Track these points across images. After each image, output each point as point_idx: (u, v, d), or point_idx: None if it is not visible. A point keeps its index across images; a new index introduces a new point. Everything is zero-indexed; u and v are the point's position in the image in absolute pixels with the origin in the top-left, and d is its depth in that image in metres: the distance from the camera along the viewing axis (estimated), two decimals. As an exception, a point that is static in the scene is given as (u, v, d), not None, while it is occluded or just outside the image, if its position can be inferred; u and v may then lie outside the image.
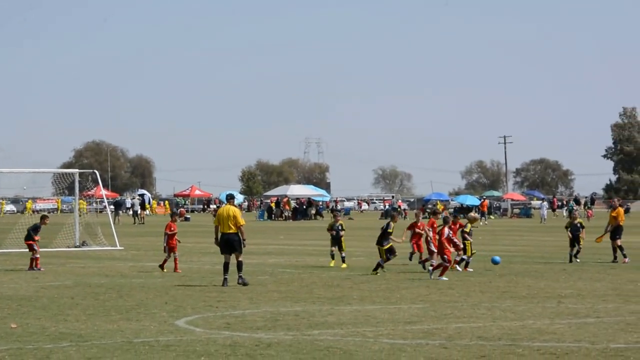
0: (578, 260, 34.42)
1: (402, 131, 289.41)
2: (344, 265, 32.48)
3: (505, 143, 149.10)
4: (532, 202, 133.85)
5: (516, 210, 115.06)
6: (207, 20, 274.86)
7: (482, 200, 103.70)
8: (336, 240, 33.07)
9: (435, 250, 29.11)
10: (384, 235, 30.21)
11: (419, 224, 32.29)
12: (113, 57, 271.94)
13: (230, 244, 25.80)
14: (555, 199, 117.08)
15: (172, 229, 31.00)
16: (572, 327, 18.06)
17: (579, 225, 34.70)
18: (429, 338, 16.75)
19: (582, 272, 30.49)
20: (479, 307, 21.27)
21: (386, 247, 29.93)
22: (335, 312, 20.43)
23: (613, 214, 35.15)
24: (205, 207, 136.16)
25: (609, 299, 22.74)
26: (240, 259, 25.84)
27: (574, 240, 34.48)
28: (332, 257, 33.04)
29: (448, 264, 28.30)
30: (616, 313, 20.11)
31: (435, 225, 30.47)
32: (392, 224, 30.51)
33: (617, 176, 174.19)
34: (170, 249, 30.67)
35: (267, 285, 26.48)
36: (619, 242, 34.44)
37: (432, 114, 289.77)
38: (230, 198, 27.50)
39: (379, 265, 29.94)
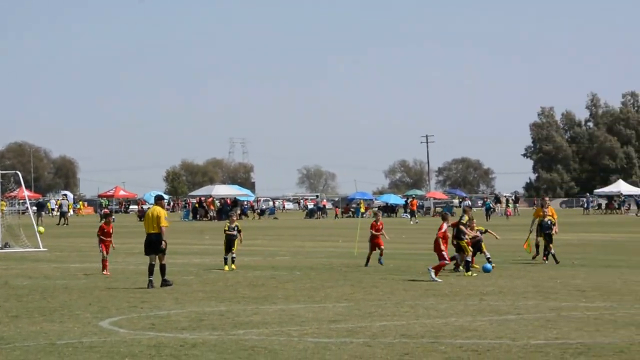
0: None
1: (326, 131, 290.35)
2: (234, 267, 31.21)
3: (427, 142, 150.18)
4: (454, 200, 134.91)
5: (438, 209, 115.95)
6: (125, 17, 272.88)
7: (412, 199, 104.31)
8: (230, 242, 31.71)
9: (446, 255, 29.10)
10: (460, 230, 29.95)
11: (378, 224, 32.62)
12: (33, 57, 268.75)
13: (153, 244, 25.70)
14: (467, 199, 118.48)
15: (106, 231, 30.60)
16: (493, 324, 18.33)
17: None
18: (353, 336, 16.89)
19: (503, 269, 30.90)
20: (402, 305, 21.48)
21: (464, 242, 29.66)
22: (260, 311, 20.48)
23: (544, 212, 34.80)
24: (126, 208, 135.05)
25: (529, 296, 23.10)
26: (163, 261, 25.68)
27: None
28: (226, 262, 31.57)
29: (447, 262, 28.06)
30: (536, 310, 20.45)
31: (443, 229, 29.51)
32: (465, 216, 30.30)
33: (536, 175, 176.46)
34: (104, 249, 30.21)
35: (192, 285, 26.44)
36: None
37: (356, 113, 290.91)
38: (158, 199, 27.22)
39: (468, 264, 29.36)
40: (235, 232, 31.75)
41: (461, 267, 29.84)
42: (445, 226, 28.72)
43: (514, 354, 15.11)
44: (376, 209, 33.92)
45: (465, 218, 30.52)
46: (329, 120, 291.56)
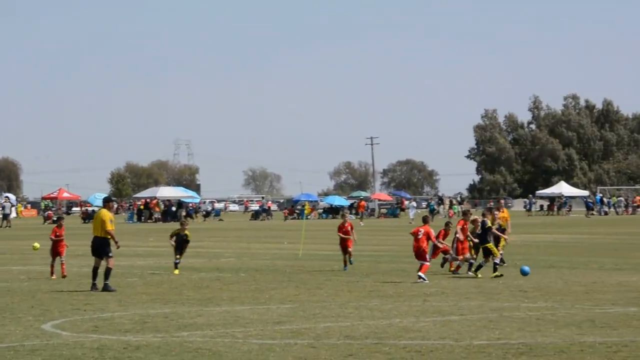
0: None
1: (272, 133, 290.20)
2: (176, 272, 30.46)
3: (372, 144, 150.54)
4: (406, 202, 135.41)
5: (383, 210, 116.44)
6: (68, 15, 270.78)
7: (360, 200, 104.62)
8: (180, 247, 30.99)
9: (457, 256, 29.07)
10: (486, 232, 29.35)
11: (346, 225, 31.82)
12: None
13: (97, 248, 25.48)
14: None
15: (58, 234, 30.19)
16: (436, 324, 18.45)
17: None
18: (298, 338, 16.92)
19: (447, 270, 31.07)
20: (346, 306, 21.54)
21: (490, 244, 29.05)
22: (205, 313, 20.45)
23: (502, 215, 34.67)
24: (68, 210, 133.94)
25: (472, 297, 23.27)
26: (110, 265, 25.35)
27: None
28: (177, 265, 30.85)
29: (427, 263, 27.70)
30: (479, 310, 20.62)
31: (465, 227, 29.74)
32: (488, 220, 29.68)
33: (480, 176, 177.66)
34: (56, 253, 29.85)
35: (136, 287, 26.31)
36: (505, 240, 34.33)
37: (301, 115, 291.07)
38: (105, 202, 26.84)
39: (496, 265, 28.86)
40: (183, 241, 30.91)
41: (472, 269, 29.26)
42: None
43: (457, 354, 15.22)
44: (345, 210, 32.48)
45: (490, 219, 29.95)
46: (274, 122, 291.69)
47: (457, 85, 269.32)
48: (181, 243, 31.10)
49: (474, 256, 29.51)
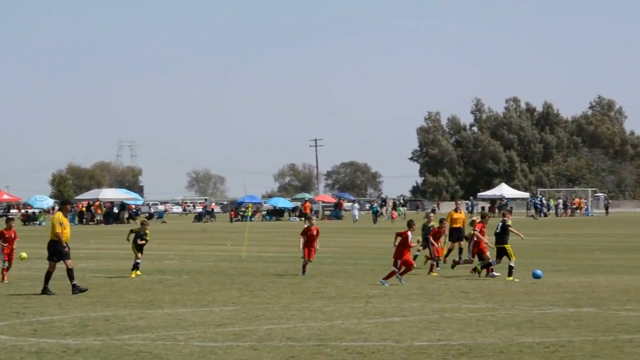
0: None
1: (216, 134, 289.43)
2: (137, 274, 30.21)
3: (316, 146, 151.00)
4: (346, 203, 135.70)
5: (327, 212, 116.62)
6: (10, 15, 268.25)
7: (305, 202, 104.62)
8: (139, 248, 30.49)
9: (472, 258, 28.87)
10: (505, 232, 28.90)
11: (312, 229, 30.61)
12: None
13: (49, 251, 25.21)
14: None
15: (7, 236, 29.66)
16: (378, 326, 18.54)
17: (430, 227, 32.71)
18: (240, 340, 16.91)
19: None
20: (289, 308, 21.57)
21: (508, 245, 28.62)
22: (146, 316, 20.36)
23: (456, 216, 34.65)
24: (6, 212, 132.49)
25: (414, 298, 23.41)
26: (69, 266, 25.03)
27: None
28: (137, 267, 30.44)
29: (396, 270, 26.95)
30: (420, 312, 20.75)
31: (483, 229, 29.43)
32: (508, 220, 29.30)
33: (423, 178, 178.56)
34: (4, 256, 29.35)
35: (76, 290, 26.08)
36: (462, 243, 34.47)
37: (245, 116, 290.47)
38: (61, 204, 26.39)
39: (511, 268, 28.31)
40: (144, 241, 30.33)
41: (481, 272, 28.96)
42: (410, 234, 27.20)
43: (398, 355, 15.31)
44: (311, 213, 30.85)
45: (510, 221, 29.64)
46: (218, 123, 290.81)
47: (401, 88, 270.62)
48: (139, 242, 30.19)
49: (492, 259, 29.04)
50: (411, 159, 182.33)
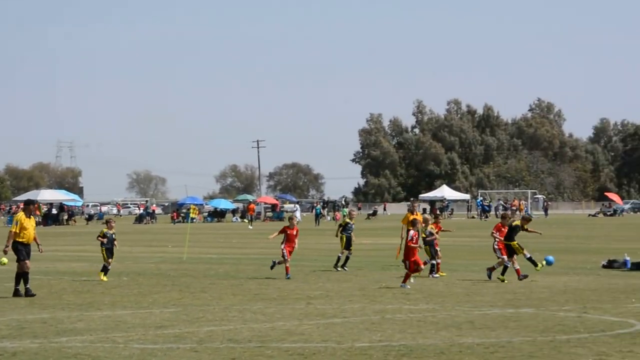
0: (346, 269, 32.17)
1: (157, 135, 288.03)
2: (105, 278, 29.39)
3: (258, 147, 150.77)
4: (284, 205, 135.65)
5: (269, 214, 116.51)
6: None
7: (249, 204, 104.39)
8: (110, 252, 29.72)
9: (503, 257, 28.35)
10: (515, 232, 28.56)
11: (292, 229, 30.07)
12: None
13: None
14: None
15: None
16: (319, 327, 18.53)
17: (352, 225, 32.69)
18: (180, 342, 16.81)
19: (331, 273, 31.26)
20: (230, 309, 21.49)
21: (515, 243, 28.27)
22: (85, 318, 20.17)
23: (413, 218, 34.49)
24: None
25: (355, 300, 23.44)
26: (21, 269, 24.71)
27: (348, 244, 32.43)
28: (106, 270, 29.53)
29: (409, 270, 26.52)
30: (362, 313, 20.77)
31: (503, 230, 28.99)
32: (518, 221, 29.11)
33: (365, 180, 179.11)
34: None
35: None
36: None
37: (186, 117, 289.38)
38: (25, 204, 25.84)
39: (533, 262, 28.25)
40: (113, 241, 29.56)
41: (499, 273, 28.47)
42: (411, 233, 26.66)
43: (339, 357, 15.31)
44: (291, 213, 29.69)
45: (518, 222, 29.51)
46: (159, 124, 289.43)
47: (343, 89, 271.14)
48: (111, 244, 29.50)
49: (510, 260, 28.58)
50: (353, 160, 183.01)
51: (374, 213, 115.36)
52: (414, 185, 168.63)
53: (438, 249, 30.67)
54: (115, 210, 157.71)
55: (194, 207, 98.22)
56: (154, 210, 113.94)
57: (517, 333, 17.61)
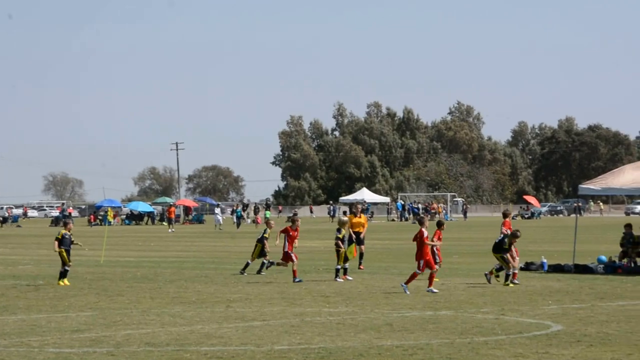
0: (263, 273, 32.03)
1: (74, 137, 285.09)
2: (66, 283, 28.65)
3: (177, 149, 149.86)
4: (212, 206, 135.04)
5: (190, 217, 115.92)
6: None
7: (170, 207, 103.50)
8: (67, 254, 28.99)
9: (511, 260, 27.95)
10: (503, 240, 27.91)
11: (295, 230, 29.89)
12: None
13: None
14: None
15: None
16: (239, 330, 18.46)
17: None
18: (97, 346, 16.62)
19: (251, 276, 31.18)
20: (148, 313, 21.31)
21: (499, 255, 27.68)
22: None
23: (356, 220, 34.55)
24: None
25: (275, 303, 23.40)
26: None
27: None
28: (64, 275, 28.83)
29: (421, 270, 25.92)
30: (281, 316, 20.74)
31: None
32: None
33: (285, 182, 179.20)
34: None
35: None
36: (363, 247, 34.61)
37: (104, 119, 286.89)
38: None
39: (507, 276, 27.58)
40: (71, 243, 28.90)
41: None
42: (425, 232, 26.01)
43: (258, 359, 15.26)
44: (293, 214, 28.80)
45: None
46: (76, 125, 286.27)
47: (263, 91, 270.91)
48: (68, 247, 28.83)
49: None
50: (273, 163, 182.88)
51: (295, 216, 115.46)
52: (334, 188, 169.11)
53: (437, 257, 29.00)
54: (34, 213, 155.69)
55: (111, 209, 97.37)
56: (70, 213, 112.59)
57: (436, 335, 17.72)
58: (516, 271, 28.18)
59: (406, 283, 25.87)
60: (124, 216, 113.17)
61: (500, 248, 27.95)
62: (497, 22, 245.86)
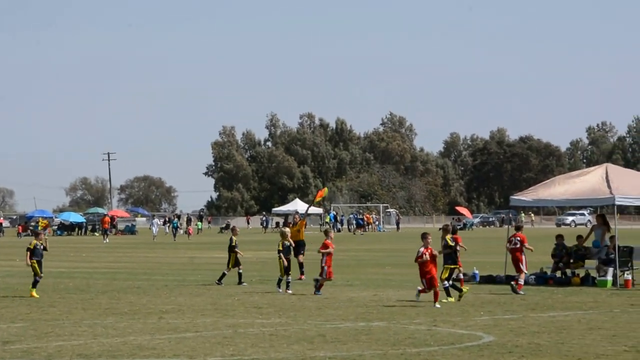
0: (245, 284, 32.03)
1: (4, 146, 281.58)
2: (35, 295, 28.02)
3: (109, 160, 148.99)
4: (136, 218, 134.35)
5: (121, 227, 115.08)
6: None
7: (104, 217, 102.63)
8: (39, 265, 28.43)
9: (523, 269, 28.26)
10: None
11: (328, 241, 28.59)
12: None
13: None
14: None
15: None
16: (171, 341, 18.41)
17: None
18: (28, 357, 16.49)
19: (183, 287, 31.08)
20: (80, 324, 21.16)
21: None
22: None
23: (296, 229, 34.62)
24: None
25: (207, 314, 23.35)
26: None
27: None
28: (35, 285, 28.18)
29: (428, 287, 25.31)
30: (214, 327, 20.71)
31: (525, 242, 29.16)
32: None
33: (218, 193, 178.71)
34: None
35: None
36: (301, 258, 34.43)
37: (35, 128, 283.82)
38: None
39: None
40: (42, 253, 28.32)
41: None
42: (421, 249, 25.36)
43: (191, 371, 15.25)
44: (329, 228, 27.26)
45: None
46: (7, 135, 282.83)
47: (196, 101, 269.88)
48: (40, 257, 28.30)
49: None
50: (206, 173, 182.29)
51: (227, 227, 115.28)
52: (267, 199, 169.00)
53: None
54: None
55: (42, 220, 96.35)
56: (1, 223, 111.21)
57: (369, 346, 17.82)
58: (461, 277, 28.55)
59: (435, 300, 24.95)
60: (56, 227, 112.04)
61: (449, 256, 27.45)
62: (429, 33, 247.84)
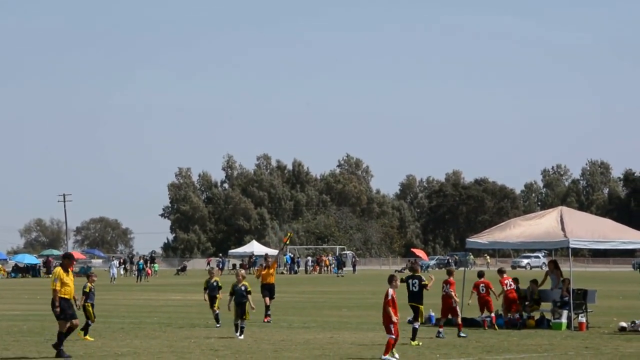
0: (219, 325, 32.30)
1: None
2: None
3: (64, 201, 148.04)
4: (92, 260, 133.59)
5: (76, 269, 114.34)
6: None
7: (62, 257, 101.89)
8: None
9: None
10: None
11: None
12: None
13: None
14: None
15: None
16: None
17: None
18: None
19: (139, 330, 30.93)
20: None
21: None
22: None
23: (267, 272, 34.77)
24: None
25: (164, 357, 23.26)
26: (62, 329, 23.71)
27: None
28: None
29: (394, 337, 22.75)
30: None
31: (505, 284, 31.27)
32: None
33: (174, 235, 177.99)
34: None
35: None
36: (268, 300, 34.30)
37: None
38: (63, 258, 24.39)
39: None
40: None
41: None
42: (390, 292, 23.10)
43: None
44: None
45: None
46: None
47: (151, 143, 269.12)
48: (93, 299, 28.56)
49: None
50: (162, 215, 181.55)
51: (184, 268, 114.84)
52: (224, 241, 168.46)
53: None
54: None
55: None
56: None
57: (325, 389, 17.82)
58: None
59: (385, 353, 22.57)
60: (10, 269, 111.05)
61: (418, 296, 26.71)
62: (384, 75, 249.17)
